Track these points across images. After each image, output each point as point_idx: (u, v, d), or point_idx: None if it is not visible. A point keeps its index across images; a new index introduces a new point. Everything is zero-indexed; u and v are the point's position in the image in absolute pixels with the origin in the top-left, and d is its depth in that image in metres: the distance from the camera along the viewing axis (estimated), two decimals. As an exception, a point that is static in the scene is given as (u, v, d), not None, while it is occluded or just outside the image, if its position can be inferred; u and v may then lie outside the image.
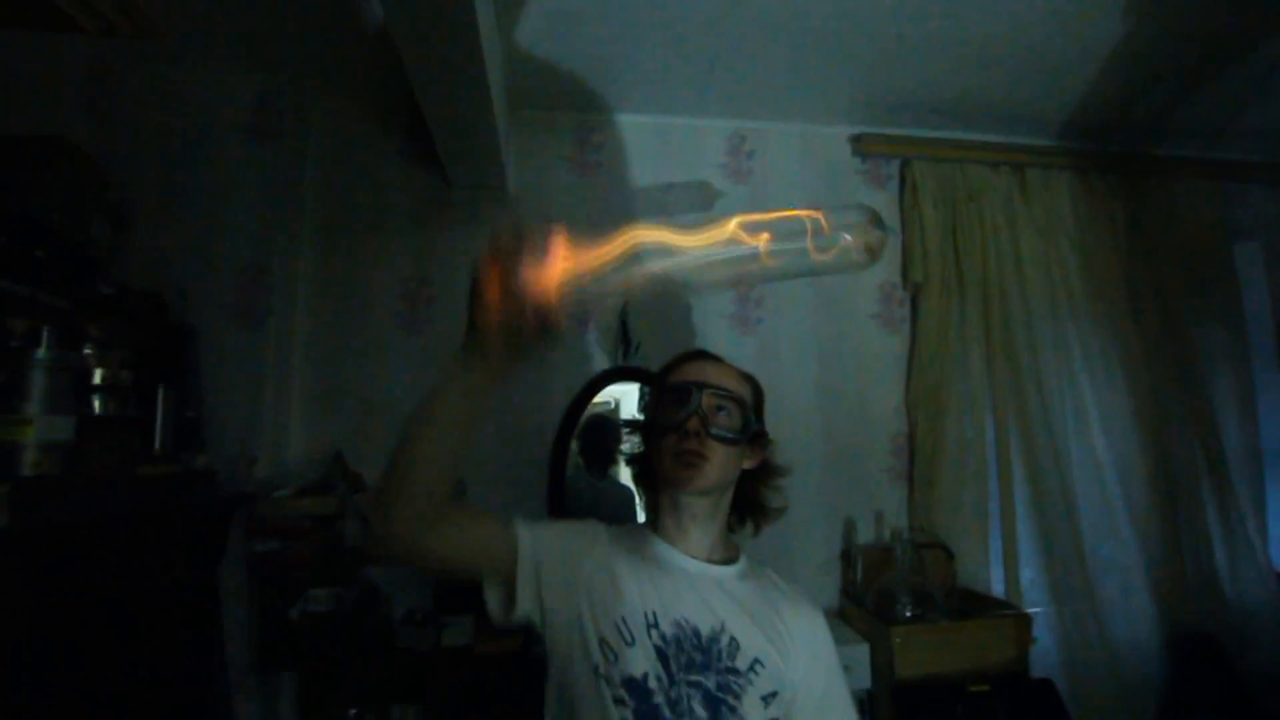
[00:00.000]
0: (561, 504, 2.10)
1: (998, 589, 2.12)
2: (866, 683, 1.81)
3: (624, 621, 0.90)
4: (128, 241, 1.80)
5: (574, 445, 2.17)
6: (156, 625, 1.31)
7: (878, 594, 1.96)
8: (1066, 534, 2.11)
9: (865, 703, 1.81)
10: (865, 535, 2.19)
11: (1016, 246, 2.24)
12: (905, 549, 2.06)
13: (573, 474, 2.19)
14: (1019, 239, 2.25)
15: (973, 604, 1.94)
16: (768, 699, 0.93)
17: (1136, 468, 2.22)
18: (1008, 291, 2.21)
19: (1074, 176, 2.33)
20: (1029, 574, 2.12)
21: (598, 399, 2.26)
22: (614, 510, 2.31)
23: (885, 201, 2.35)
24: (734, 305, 2.28)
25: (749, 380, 1.07)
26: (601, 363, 2.19)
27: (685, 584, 0.96)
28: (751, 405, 1.04)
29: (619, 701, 0.85)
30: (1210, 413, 2.22)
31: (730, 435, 0.98)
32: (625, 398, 2.41)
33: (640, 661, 0.88)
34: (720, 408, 0.98)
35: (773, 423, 1.09)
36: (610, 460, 2.35)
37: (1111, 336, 2.27)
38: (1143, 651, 2.05)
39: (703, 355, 1.06)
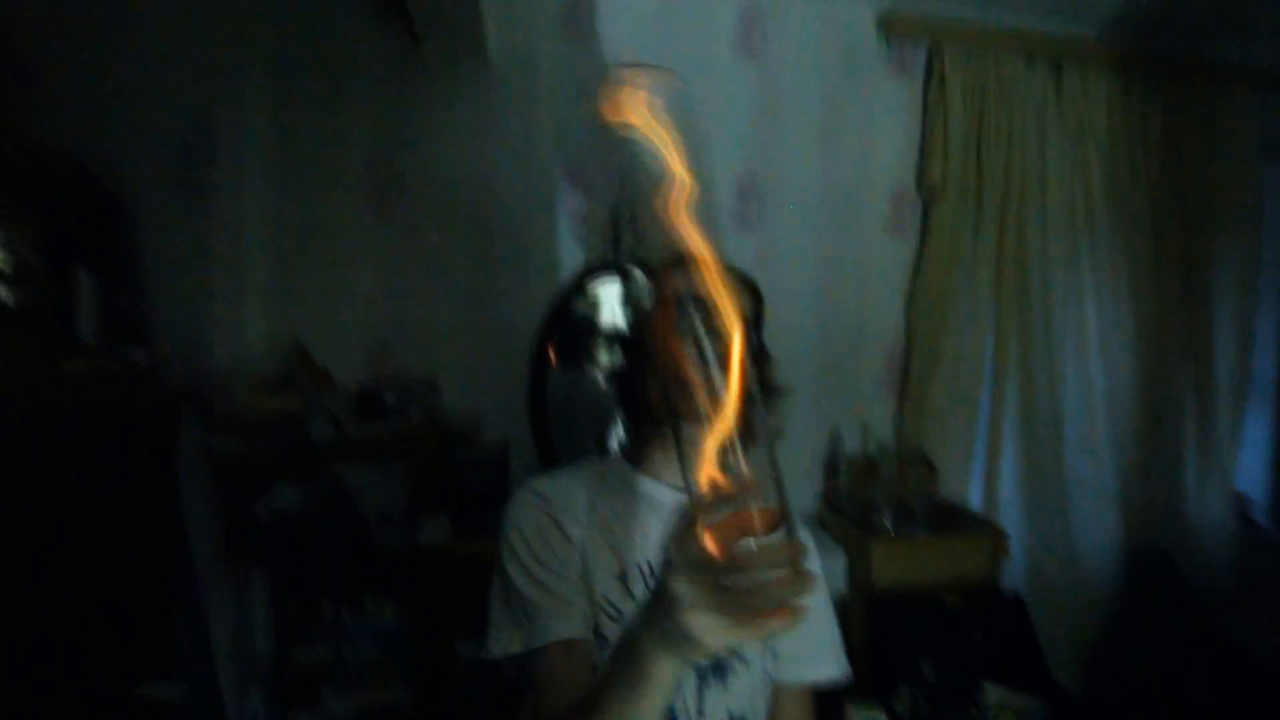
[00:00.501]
0: (543, 407, 2.01)
1: (975, 500, 2.14)
2: (842, 588, 1.84)
3: (623, 579, 0.82)
4: (40, 98, 1.53)
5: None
6: (107, 528, 1.22)
7: (860, 505, 1.96)
8: (1049, 453, 2.11)
9: (840, 608, 1.85)
10: (851, 446, 2.17)
11: (1043, 153, 2.07)
12: (890, 462, 2.04)
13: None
14: (1047, 144, 2.07)
15: (951, 517, 1.96)
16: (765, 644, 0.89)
17: (1127, 392, 2.20)
18: (1028, 202, 2.07)
19: (1113, 80, 2.12)
20: (1007, 487, 2.14)
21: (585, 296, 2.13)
22: (590, 408, 2.25)
23: (908, 94, 2.13)
24: (735, 201, 2.10)
25: (749, 288, 0.92)
26: (590, 257, 2.03)
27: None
28: (752, 320, 0.90)
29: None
30: (1209, 341, 2.18)
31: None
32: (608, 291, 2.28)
33: None
34: None
35: (767, 328, 0.95)
36: (585, 356, 2.25)
37: (1126, 257, 2.17)
38: (1103, 566, 2.12)
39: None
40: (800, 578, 0.46)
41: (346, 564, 1.75)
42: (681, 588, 0.47)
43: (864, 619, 1.77)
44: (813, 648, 0.95)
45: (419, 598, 1.81)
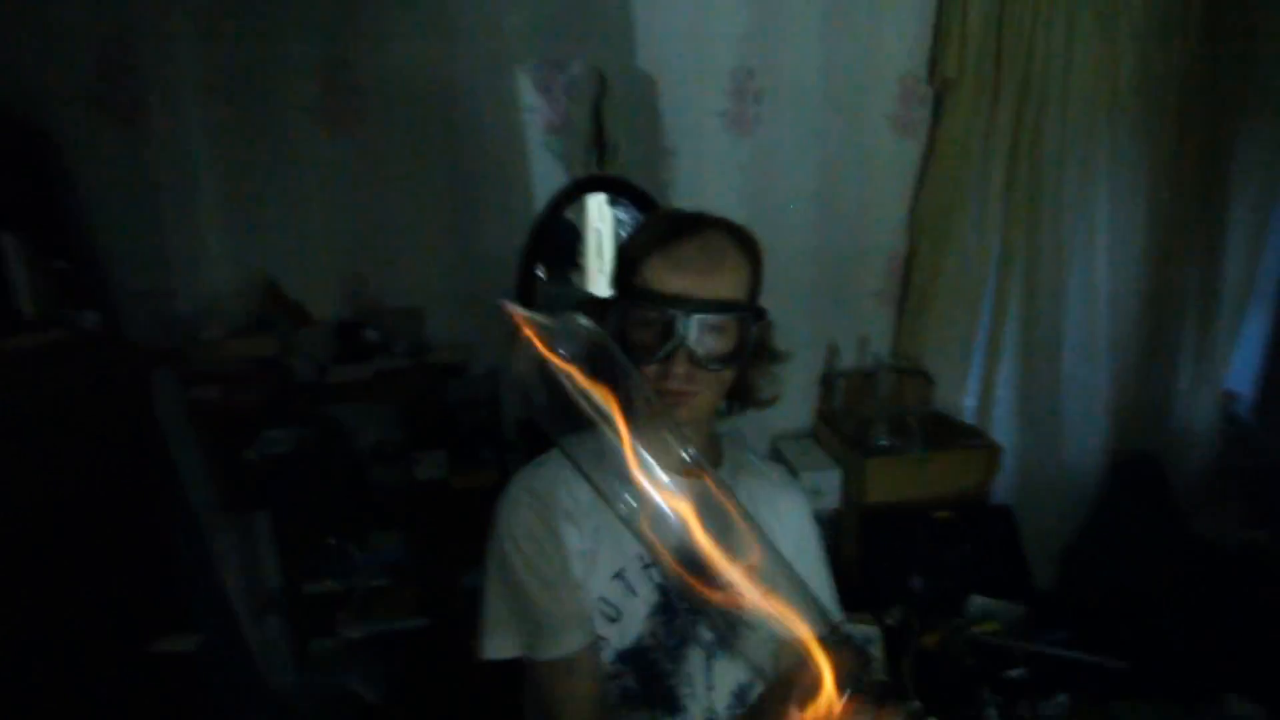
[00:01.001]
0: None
1: (970, 409, 2.14)
2: (835, 503, 1.88)
3: (621, 576, 0.79)
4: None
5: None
6: (93, 495, 1.19)
7: (856, 421, 1.96)
8: (1047, 362, 2.08)
9: (833, 522, 1.91)
10: (847, 360, 2.14)
11: (1070, 38, 1.86)
12: (886, 376, 2.02)
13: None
14: (1075, 28, 1.86)
15: (945, 430, 1.97)
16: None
17: (1130, 297, 2.14)
18: (1049, 96, 1.89)
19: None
20: (1002, 396, 2.14)
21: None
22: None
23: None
24: (729, 101, 1.91)
25: (748, 252, 0.77)
26: (572, 171, 1.88)
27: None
28: (750, 297, 0.77)
29: (617, 677, 0.78)
30: (1221, 244, 2.09)
31: (727, 359, 0.75)
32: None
33: (640, 620, 0.78)
34: (715, 328, 0.73)
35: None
36: (570, 266, 2.16)
37: (1147, 156, 2.02)
38: (1090, 471, 2.17)
39: (689, 239, 0.74)
40: None
41: (345, 501, 1.76)
42: None
43: (857, 533, 1.82)
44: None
45: (421, 530, 1.84)
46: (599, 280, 2.25)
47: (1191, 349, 2.20)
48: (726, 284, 0.74)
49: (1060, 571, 2.12)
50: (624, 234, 2.14)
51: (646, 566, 0.80)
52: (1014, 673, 1.46)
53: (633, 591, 0.79)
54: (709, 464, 0.87)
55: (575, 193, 1.90)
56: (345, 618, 1.75)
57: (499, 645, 0.76)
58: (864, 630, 1.58)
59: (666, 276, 0.73)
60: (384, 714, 1.74)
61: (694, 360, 0.71)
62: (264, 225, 1.72)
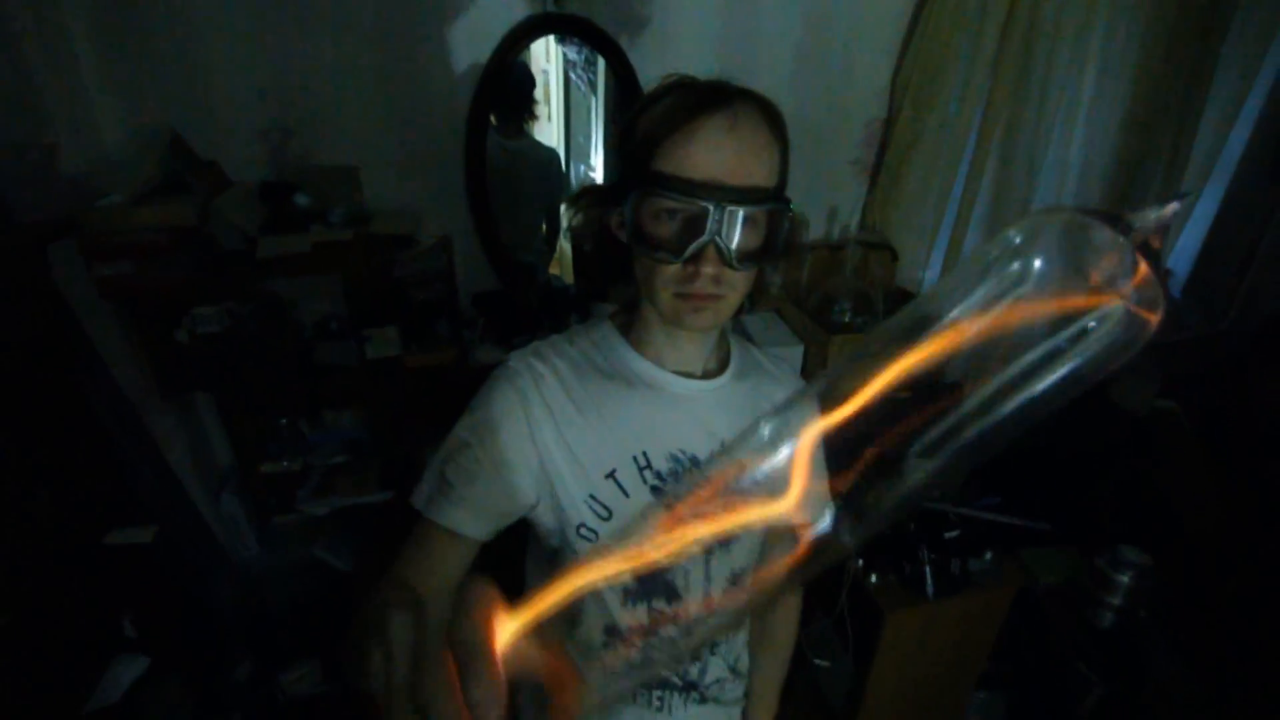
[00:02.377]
0: (482, 184, 1.77)
1: (930, 280, 2.15)
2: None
3: (614, 476, 0.75)
4: None
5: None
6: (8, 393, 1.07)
7: (820, 299, 1.94)
8: (1011, 238, 2.08)
9: (791, 396, 1.95)
10: (816, 231, 2.07)
11: None
12: (854, 251, 1.98)
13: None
14: None
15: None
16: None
17: (1099, 170, 2.11)
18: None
19: None
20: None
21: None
22: (536, 174, 2.02)
23: None
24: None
25: (780, 131, 0.69)
26: (523, 8, 1.62)
27: (680, 409, 0.80)
28: (781, 184, 0.69)
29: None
30: (1197, 120, 2.04)
31: (759, 257, 0.67)
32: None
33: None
34: (750, 220, 0.64)
35: None
36: (525, 114, 1.96)
37: (1143, 26, 1.89)
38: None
39: (717, 114, 0.63)
40: None
41: (291, 381, 1.66)
42: None
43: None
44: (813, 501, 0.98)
45: (376, 408, 1.79)
46: (552, 130, 2.06)
47: (1145, 224, 2.23)
48: (762, 169, 0.65)
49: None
50: (576, 78, 1.92)
51: (642, 469, 0.78)
52: (950, 534, 1.59)
53: (625, 493, 0.77)
54: (718, 364, 0.84)
55: (528, 31, 1.65)
56: (305, 495, 1.73)
57: (418, 494, 0.75)
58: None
59: (694, 160, 0.63)
60: (354, 581, 1.78)
61: (723, 259, 0.64)
62: (156, 67, 1.43)
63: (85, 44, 1.37)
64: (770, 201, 0.66)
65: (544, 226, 2.12)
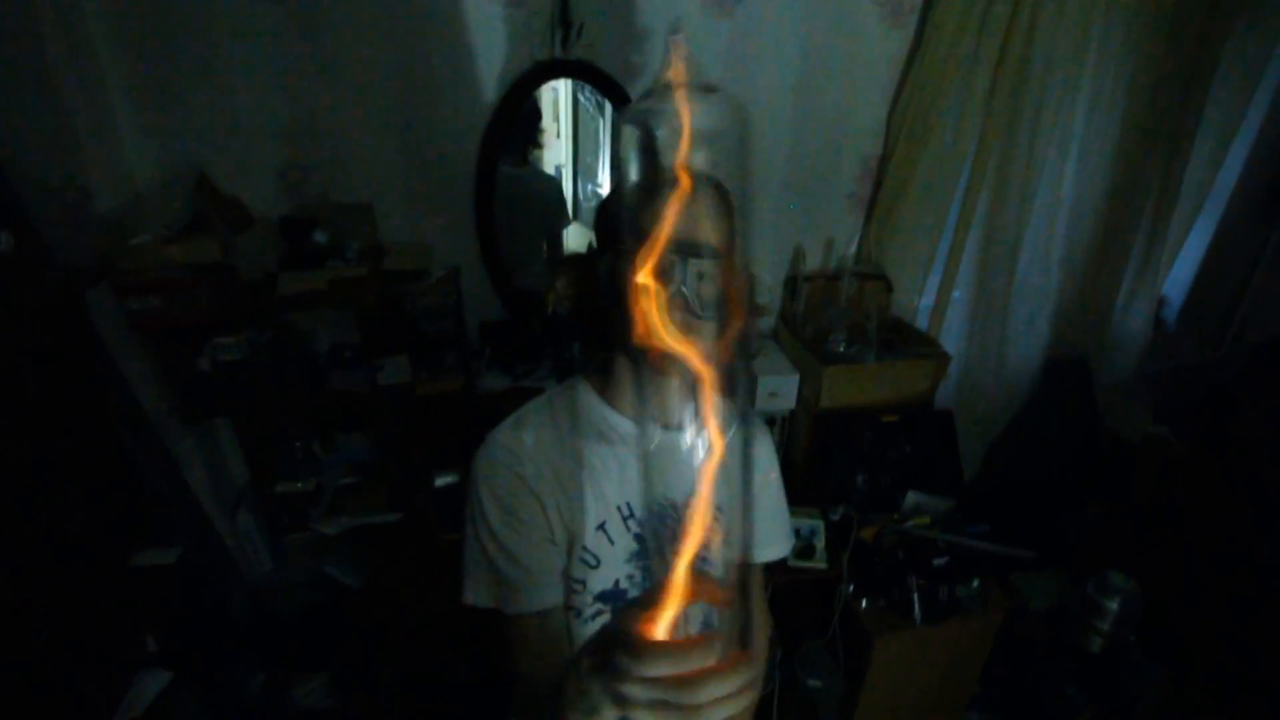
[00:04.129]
0: (490, 216, 1.84)
1: (925, 306, 2.21)
2: (791, 405, 1.97)
3: (603, 528, 0.82)
4: None
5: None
6: (42, 421, 1.14)
7: (815, 328, 2.01)
8: (1003, 272, 2.14)
9: (786, 422, 2.01)
10: (813, 262, 2.14)
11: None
12: (849, 283, 2.04)
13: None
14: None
15: (900, 336, 2.04)
16: (727, 537, 0.96)
17: (1090, 205, 2.16)
18: (1047, -6, 1.76)
19: None
20: (956, 301, 2.20)
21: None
22: (538, 199, 2.09)
23: None
24: (709, -24, 1.71)
25: (727, 204, 0.76)
26: (533, 51, 1.69)
27: (657, 459, 0.87)
28: (732, 248, 0.80)
29: (597, 615, 0.83)
30: (1187, 155, 2.09)
31: (720, 305, 0.74)
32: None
33: (619, 565, 0.83)
34: (710, 272, 0.73)
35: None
36: (531, 144, 2.04)
37: (1133, 63, 1.95)
38: (1026, 374, 2.31)
39: (680, 185, 0.73)
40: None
41: (306, 405, 1.74)
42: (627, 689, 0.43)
43: (809, 434, 1.93)
44: (767, 531, 1.04)
45: (386, 432, 1.86)
46: (557, 160, 2.13)
47: (1138, 259, 2.28)
48: (718, 234, 0.74)
49: (987, 463, 2.32)
50: (584, 99, 2.00)
51: (626, 518, 0.85)
52: (938, 561, 1.64)
53: (611, 541, 0.84)
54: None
55: (536, 77, 1.73)
56: (317, 515, 1.80)
57: (478, 593, 0.80)
58: (810, 524, 1.74)
59: (661, 223, 0.72)
60: (365, 598, 1.85)
61: (689, 307, 0.72)
62: (186, 110, 1.52)
63: (121, 91, 1.46)
64: (726, 258, 0.74)
65: (545, 249, 2.20)
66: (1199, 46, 1.98)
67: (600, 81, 1.76)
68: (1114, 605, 1.84)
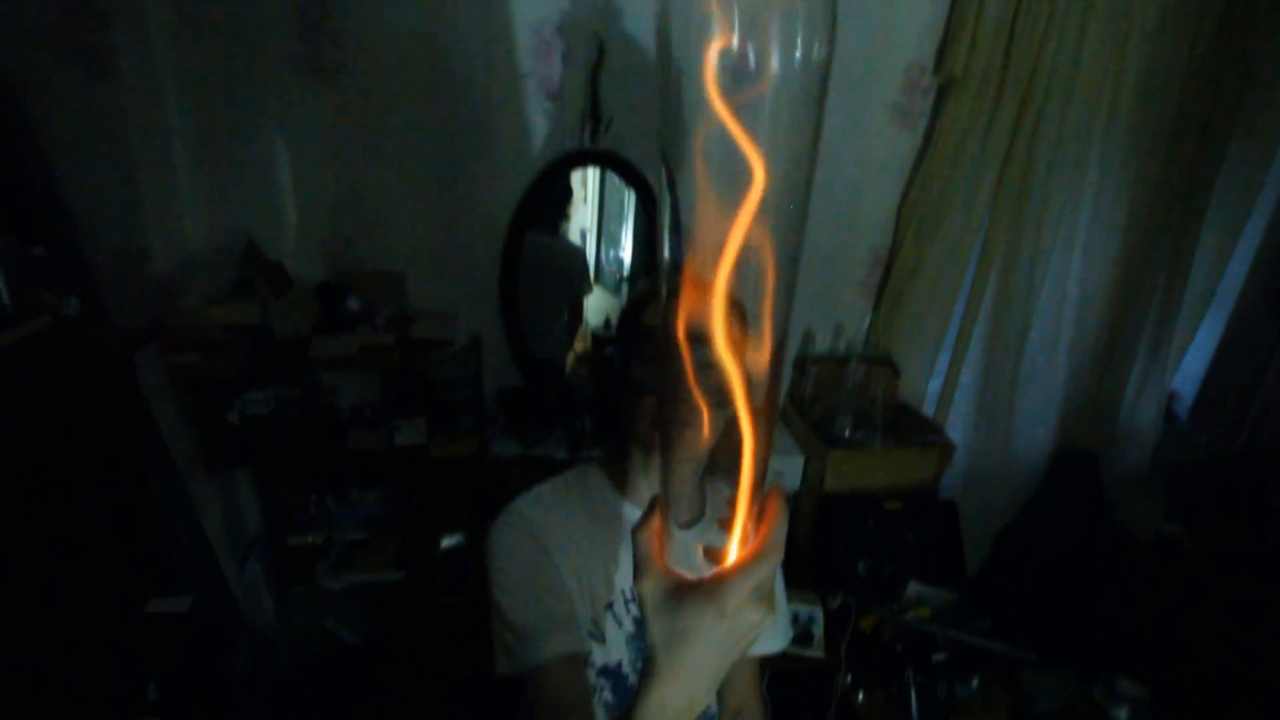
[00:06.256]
0: (514, 289, 1.94)
1: (933, 390, 2.23)
2: (795, 486, 1.99)
3: (611, 608, 0.86)
4: None
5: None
6: (83, 469, 1.22)
7: (822, 411, 2.05)
8: (1009, 363, 2.17)
9: (792, 503, 2.02)
10: (822, 345, 2.20)
11: (1081, 42, 1.82)
12: (857, 367, 2.09)
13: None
14: (1086, 31, 1.82)
15: (905, 422, 2.07)
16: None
17: (1097, 299, 2.21)
18: (1051, 100, 1.87)
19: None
20: (963, 391, 2.23)
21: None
22: (561, 269, 2.18)
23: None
24: (729, 77, 1.84)
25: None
26: (565, 140, 1.83)
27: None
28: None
29: (595, 690, 0.86)
30: (1191, 254, 2.15)
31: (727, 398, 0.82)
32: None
33: (621, 646, 0.87)
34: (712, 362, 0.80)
35: None
36: (561, 217, 2.15)
37: (1137, 163, 2.03)
38: (1034, 467, 2.31)
39: None
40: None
41: (325, 460, 1.80)
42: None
43: (813, 516, 1.95)
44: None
45: (400, 489, 1.91)
46: (582, 224, 2.23)
47: (1146, 353, 2.30)
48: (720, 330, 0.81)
49: (991, 556, 2.30)
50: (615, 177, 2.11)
51: (628, 601, 0.89)
52: (938, 656, 1.62)
53: (619, 623, 0.87)
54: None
55: (568, 163, 1.86)
56: (324, 568, 1.84)
57: (501, 661, 0.81)
58: (809, 610, 1.73)
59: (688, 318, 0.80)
60: (363, 655, 1.87)
61: (695, 400, 0.78)
62: (241, 181, 1.66)
63: (186, 165, 1.60)
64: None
65: (566, 315, 2.28)
66: (1200, 151, 2.06)
67: (625, 169, 1.88)
68: (1123, 715, 1.78)
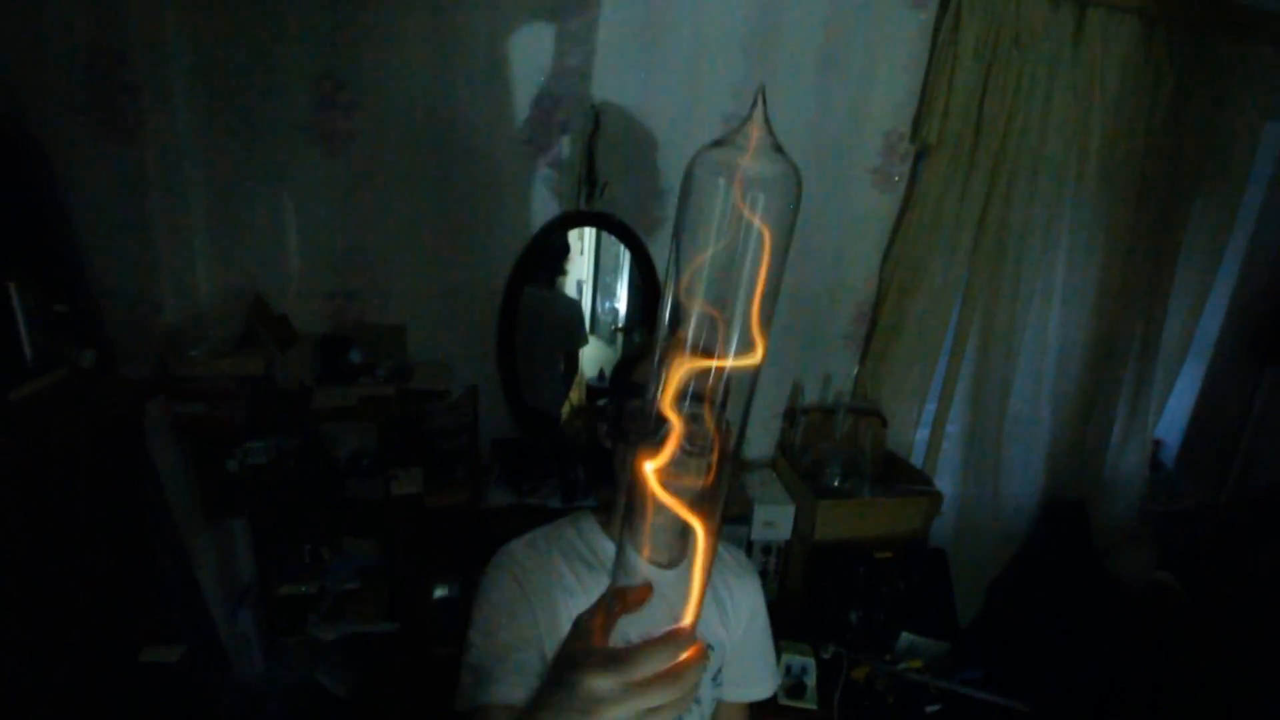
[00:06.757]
0: (511, 342, 2.00)
1: (921, 439, 2.28)
2: (786, 535, 2.01)
3: None
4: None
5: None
6: (84, 516, 1.24)
7: (812, 459, 2.09)
8: (994, 413, 2.23)
9: (782, 551, 2.04)
10: (811, 396, 2.25)
11: (1047, 109, 1.95)
12: (845, 418, 2.14)
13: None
14: (1052, 100, 1.95)
15: (894, 472, 2.11)
16: (715, 676, 1.01)
17: (1077, 353, 2.28)
18: (1021, 164, 1.99)
19: (1139, 25, 1.95)
20: (949, 441, 2.28)
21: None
22: (558, 321, 2.24)
23: (919, 27, 1.92)
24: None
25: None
26: (563, 203, 1.92)
27: (654, 596, 0.94)
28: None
29: None
30: (1165, 304, 2.24)
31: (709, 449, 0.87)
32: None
33: None
34: (700, 416, 0.86)
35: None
36: (558, 272, 2.22)
37: (1105, 226, 2.15)
38: (1021, 517, 2.35)
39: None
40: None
41: (321, 510, 1.82)
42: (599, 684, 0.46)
43: (803, 566, 1.96)
44: (753, 671, 1.09)
45: (394, 539, 1.92)
46: (579, 276, 2.31)
47: (1127, 403, 2.37)
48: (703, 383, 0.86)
49: (983, 606, 2.31)
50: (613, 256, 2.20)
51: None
52: (931, 708, 1.62)
53: None
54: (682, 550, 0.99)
55: (564, 223, 1.95)
56: (316, 619, 1.83)
57: (461, 696, 0.84)
58: (802, 661, 1.73)
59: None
60: (352, 709, 1.84)
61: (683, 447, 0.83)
62: (251, 240, 1.73)
63: (200, 226, 1.68)
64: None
65: (562, 367, 2.34)
66: (1166, 210, 2.19)
67: (620, 230, 1.97)
68: (1120, 769, 1.77)
